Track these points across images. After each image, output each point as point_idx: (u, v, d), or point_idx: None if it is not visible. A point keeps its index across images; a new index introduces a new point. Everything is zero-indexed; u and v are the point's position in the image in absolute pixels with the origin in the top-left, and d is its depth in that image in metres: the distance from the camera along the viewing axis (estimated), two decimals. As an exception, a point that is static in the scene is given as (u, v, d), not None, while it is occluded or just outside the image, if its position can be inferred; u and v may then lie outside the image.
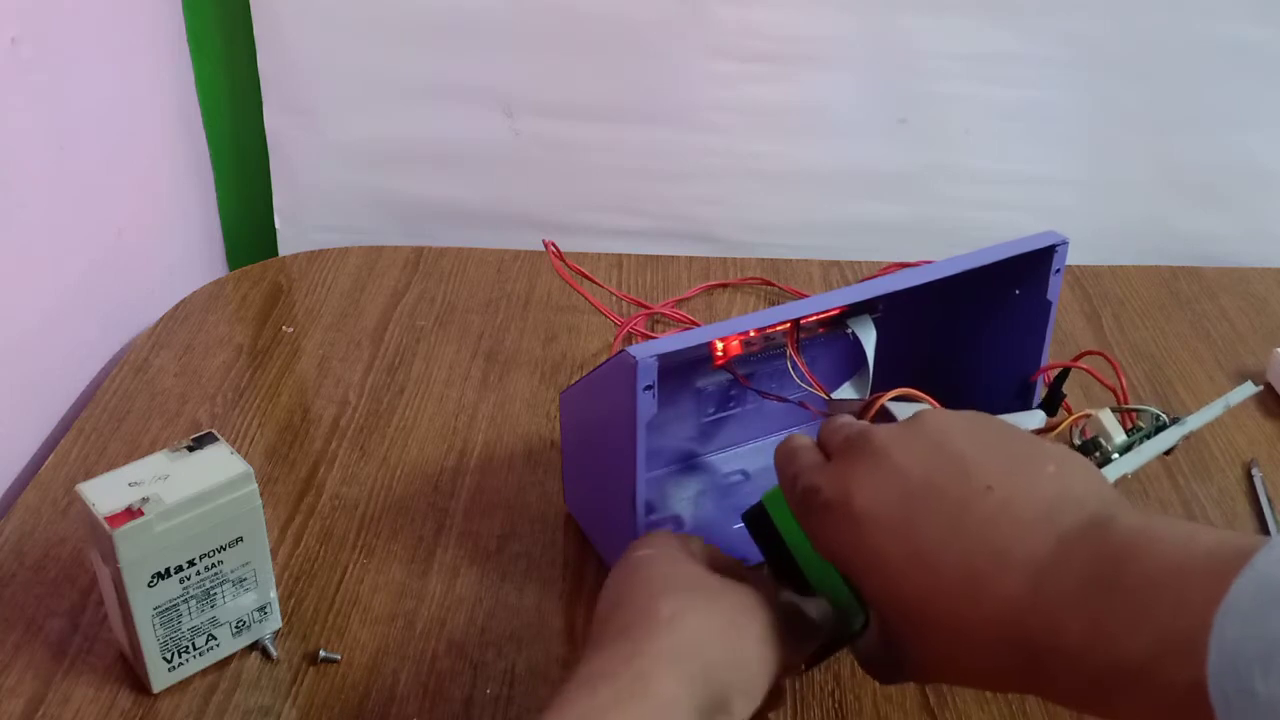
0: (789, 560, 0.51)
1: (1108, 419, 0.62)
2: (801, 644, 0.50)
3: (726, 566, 0.52)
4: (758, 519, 0.52)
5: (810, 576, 0.50)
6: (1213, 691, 0.34)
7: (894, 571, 0.44)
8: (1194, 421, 0.62)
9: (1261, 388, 0.80)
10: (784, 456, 0.50)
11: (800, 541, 0.50)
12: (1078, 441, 0.63)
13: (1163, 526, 0.40)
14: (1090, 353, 0.71)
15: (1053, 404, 0.66)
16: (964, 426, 0.48)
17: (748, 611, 0.47)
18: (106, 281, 0.87)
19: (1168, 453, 0.63)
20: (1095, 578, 0.39)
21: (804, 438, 0.51)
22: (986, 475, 0.44)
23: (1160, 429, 0.62)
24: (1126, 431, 0.62)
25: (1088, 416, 0.63)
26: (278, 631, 0.62)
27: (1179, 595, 0.37)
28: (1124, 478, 0.60)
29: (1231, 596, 0.35)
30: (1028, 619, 0.41)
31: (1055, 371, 0.68)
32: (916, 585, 0.44)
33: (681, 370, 0.67)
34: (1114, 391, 0.66)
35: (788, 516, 0.50)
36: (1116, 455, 0.61)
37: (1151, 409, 0.63)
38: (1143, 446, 0.61)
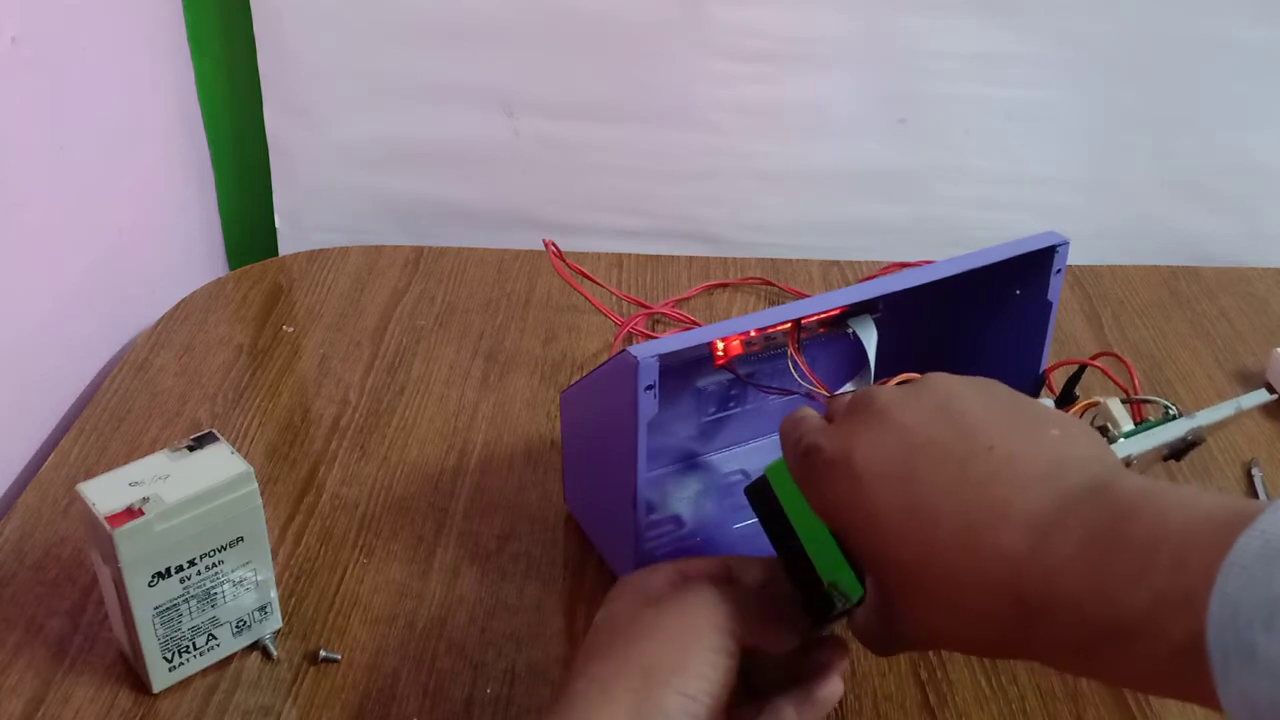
0: (789, 533, 0.51)
1: (1116, 408, 0.62)
2: (779, 617, 0.50)
3: (707, 577, 0.52)
4: (760, 491, 0.52)
5: (810, 549, 0.50)
6: (1211, 647, 0.34)
7: (892, 527, 0.44)
8: (1204, 418, 0.62)
9: (1276, 396, 0.80)
10: (789, 424, 0.50)
11: (801, 513, 0.50)
12: None
13: (1165, 489, 0.40)
14: (1106, 353, 0.71)
15: (1066, 402, 0.66)
16: (968, 388, 0.48)
17: (665, 643, 0.46)
18: (106, 281, 0.87)
19: (1178, 459, 0.63)
20: (1096, 535, 0.39)
21: (810, 409, 0.51)
22: (989, 435, 0.45)
23: (1170, 420, 0.62)
24: (1136, 424, 0.62)
25: (1096, 405, 0.63)
26: (278, 631, 0.62)
27: (1180, 552, 0.37)
28: (1129, 462, 0.60)
29: (1234, 553, 0.35)
30: (1025, 575, 0.40)
31: (1062, 371, 0.68)
32: (914, 541, 0.44)
33: (682, 370, 0.67)
34: (1125, 390, 0.66)
35: (790, 488, 0.50)
36: (1122, 440, 0.61)
37: (1162, 400, 0.63)
38: (1148, 433, 0.60)
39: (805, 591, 0.51)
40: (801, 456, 0.48)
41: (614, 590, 0.52)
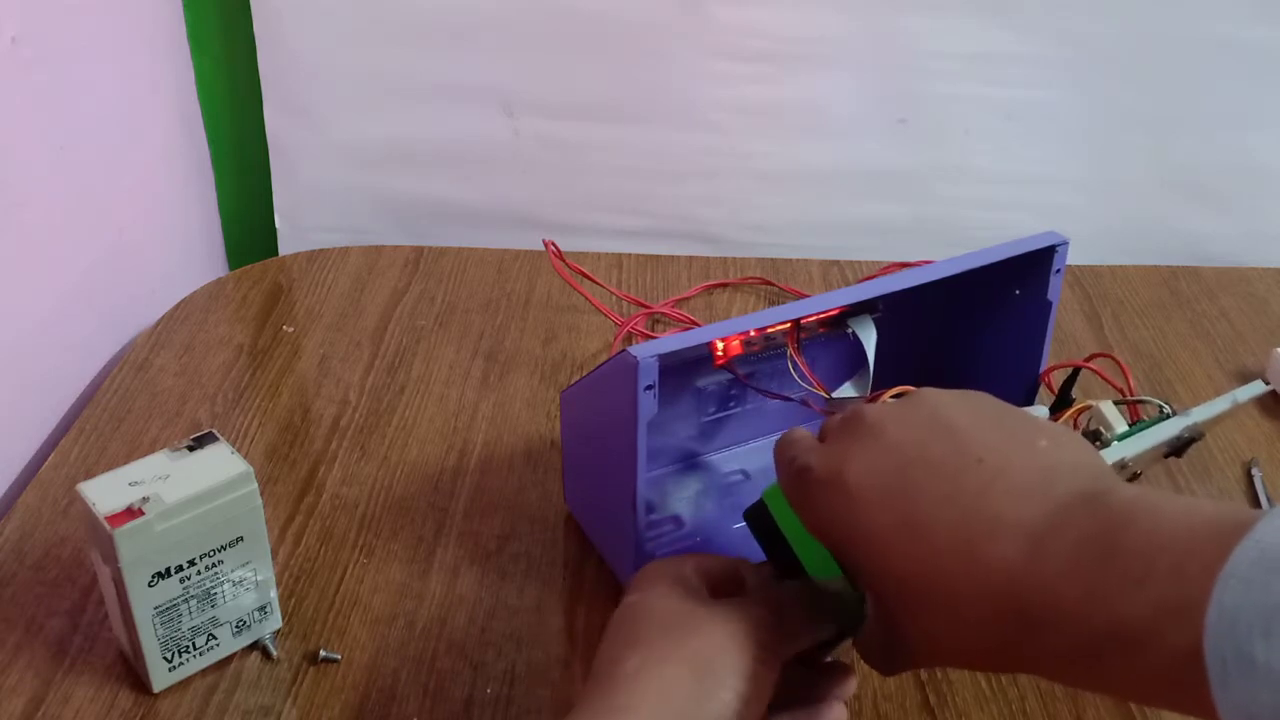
0: (790, 556, 0.51)
1: (1109, 410, 0.61)
2: (817, 625, 0.50)
3: (723, 575, 0.52)
4: (759, 516, 0.52)
5: (811, 571, 0.50)
6: (1209, 658, 0.34)
7: (887, 544, 0.44)
8: (1199, 414, 0.62)
9: (1271, 386, 0.80)
10: (783, 445, 0.51)
11: (800, 536, 0.50)
12: None
13: (1160, 497, 0.40)
14: (1100, 355, 0.71)
15: (1062, 405, 0.66)
16: (958, 402, 0.48)
17: (721, 642, 0.47)
18: (106, 281, 0.87)
19: (1179, 455, 0.63)
20: (1092, 544, 0.39)
21: (803, 429, 0.52)
22: (980, 447, 0.45)
23: (1164, 420, 0.62)
24: (1131, 425, 0.62)
25: (1089, 408, 0.63)
26: (278, 631, 0.62)
27: (1178, 562, 0.37)
28: (1124, 464, 0.60)
29: (1232, 563, 0.35)
30: (1023, 587, 0.40)
31: (1060, 371, 0.68)
32: (910, 557, 0.44)
33: (682, 370, 0.67)
34: (1120, 391, 0.66)
35: (787, 510, 0.50)
36: (1116, 442, 0.61)
37: (1156, 400, 0.63)
38: (1143, 433, 0.60)
39: None
40: (794, 477, 0.48)
41: (644, 576, 0.52)
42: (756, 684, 0.46)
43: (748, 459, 0.73)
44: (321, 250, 0.99)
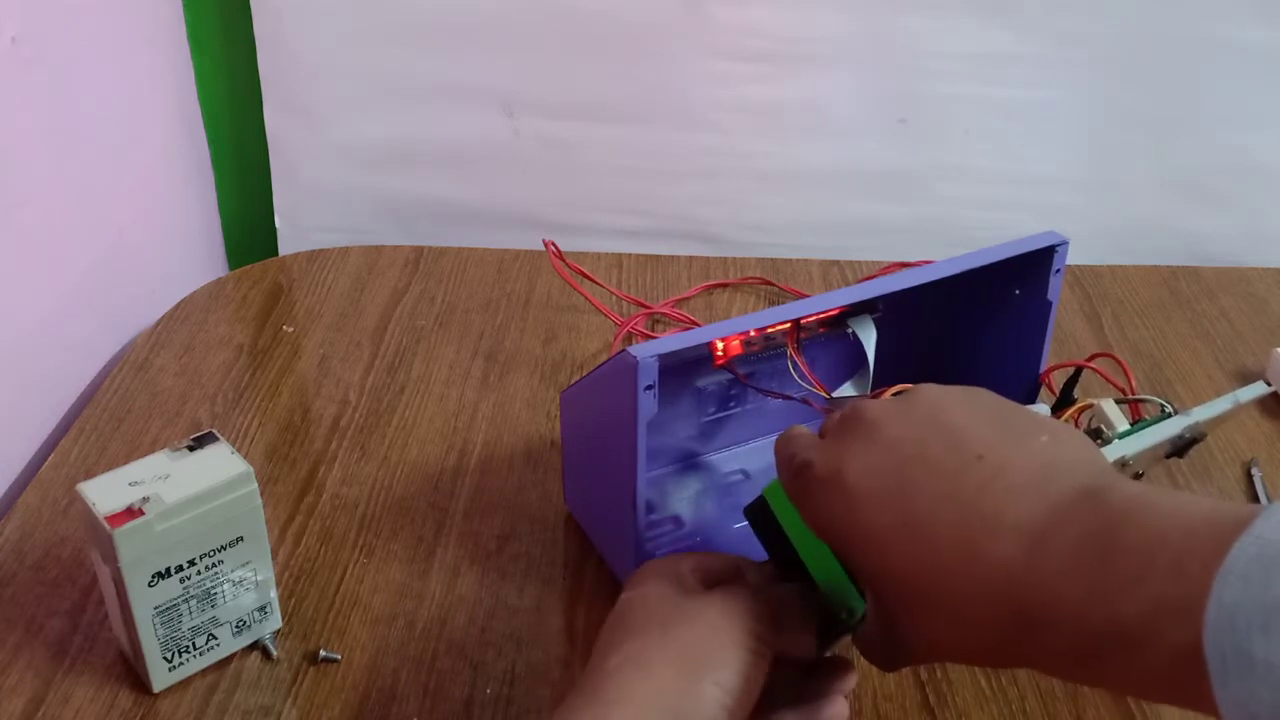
0: (790, 552, 0.51)
1: (1110, 409, 0.61)
2: (804, 627, 0.50)
3: (723, 573, 0.52)
4: (759, 512, 0.52)
5: (811, 567, 0.50)
6: (1209, 654, 0.34)
7: (887, 543, 0.44)
8: (1200, 414, 0.62)
9: (1272, 388, 0.80)
10: (783, 441, 0.51)
11: (801, 532, 0.50)
12: None
13: (1160, 494, 0.40)
14: (1102, 354, 0.71)
15: (1064, 404, 0.66)
16: (957, 399, 0.48)
17: (707, 633, 0.47)
18: (106, 281, 0.87)
19: (1180, 456, 0.63)
20: (1092, 541, 0.39)
21: (804, 426, 0.52)
22: (979, 444, 0.44)
23: (1165, 418, 0.62)
24: (1132, 424, 0.62)
25: (1091, 406, 0.63)
26: (278, 631, 0.62)
27: (1177, 559, 0.37)
28: (1125, 462, 0.60)
29: (1231, 560, 0.35)
30: (1023, 585, 0.40)
31: (1061, 371, 0.68)
32: (910, 556, 0.43)
33: (682, 370, 0.67)
34: (1122, 390, 0.66)
35: (788, 507, 0.50)
36: (1117, 440, 0.61)
37: (1157, 399, 0.63)
38: (1144, 432, 0.60)
39: None
40: (794, 474, 0.48)
41: (641, 573, 0.52)
42: (745, 674, 0.46)
43: (748, 459, 0.73)
44: (321, 250, 0.99)
